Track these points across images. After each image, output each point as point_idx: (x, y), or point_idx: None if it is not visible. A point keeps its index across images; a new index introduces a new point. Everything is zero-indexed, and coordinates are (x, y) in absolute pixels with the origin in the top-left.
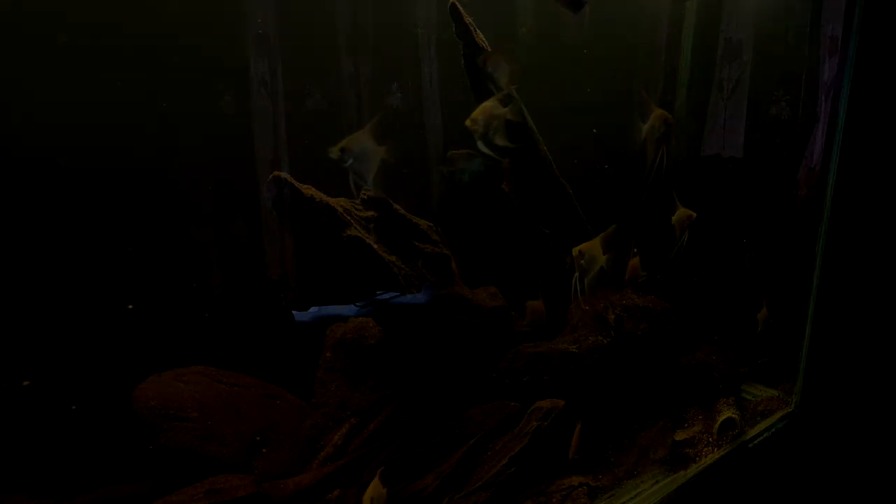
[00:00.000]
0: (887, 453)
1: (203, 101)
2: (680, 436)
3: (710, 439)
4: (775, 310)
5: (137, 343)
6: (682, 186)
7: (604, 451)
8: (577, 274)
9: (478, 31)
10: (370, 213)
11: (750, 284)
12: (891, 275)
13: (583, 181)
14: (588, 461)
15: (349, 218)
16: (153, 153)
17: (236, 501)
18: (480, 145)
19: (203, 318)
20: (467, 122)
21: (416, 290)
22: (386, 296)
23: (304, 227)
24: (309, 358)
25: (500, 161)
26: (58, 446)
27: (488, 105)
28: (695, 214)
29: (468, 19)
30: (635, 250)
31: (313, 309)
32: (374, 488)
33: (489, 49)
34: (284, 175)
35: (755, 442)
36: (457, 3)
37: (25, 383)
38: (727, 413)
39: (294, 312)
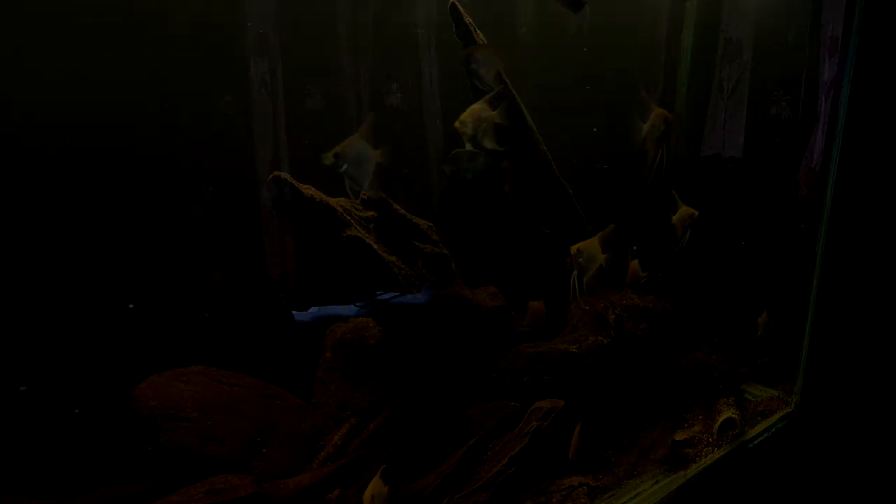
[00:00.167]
0: (887, 453)
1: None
2: (680, 436)
3: (710, 439)
4: (775, 310)
5: (137, 343)
6: (682, 186)
7: (604, 451)
8: (575, 272)
9: (478, 31)
10: (370, 213)
11: (750, 285)
12: (891, 275)
13: (583, 181)
14: (588, 461)
15: (349, 218)
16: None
17: (236, 501)
18: (468, 146)
19: (203, 318)
20: (456, 124)
21: (416, 290)
22: (386, 296)
23: (304, 227)
24: (309, 358)
25: (501, 161)
26: (58, 446)
27: (477, 107)
28: (697, 213)
29: (468, 19)
30: (634, 249)
31: (313, 309)
32: (375, 486)
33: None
34: (284, 175)
35: (755, 442)
36: (457, 3)
37: (23, 388)
38: (727, 413)
39: (294, 312)
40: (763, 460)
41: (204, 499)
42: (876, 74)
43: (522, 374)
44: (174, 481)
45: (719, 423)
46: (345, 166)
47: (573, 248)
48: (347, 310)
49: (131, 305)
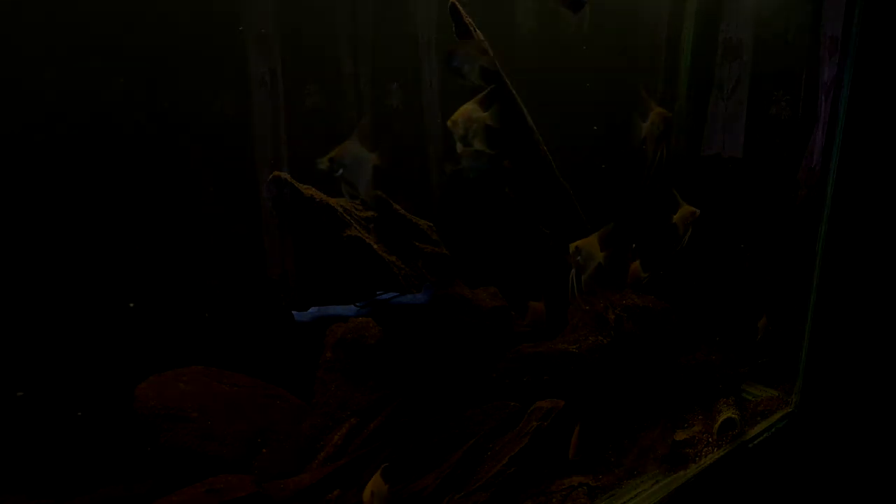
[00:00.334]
0: (887, 453)
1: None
2: (680, 436)
3: (710, 439)
4: (775, 309)
5: (137, 343)
6: (682, 186)
7: (604, 451)
8: (573, 270)
9: (478, 31)
10: (370, 213)
11: (750, 285)
12: (891, 275)
13: (583, 180)
14: (588, 461)
15: (349, 218)
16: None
17: (236, 501)
18: (459, 147)
19: (203, 318)
20: (448, 123)
21: (416, 290)
22: (386, 296)
23: (304, 227)
24: (309, 358)
25: (501, 161)
26: (57, 446)
27: (469, 106)
28: (698, 211)
29: (468, 19)
30: (635, 247)
31: (313, 309)
32: (375, 484)
33: (489, 50)
34: (284, 175)
35: (755, 442)
36: (457, 4)
37: (20, 394)
38: (727, 413)
39: (294, 312)
40: (763, 460)
41: (204, 499)
42: (876, 74)
43: (522, 374)
44: (174, 481)
45: (719, 423)
46: (340, 171)
47: (571, 246)
48: (347, 310)
49: (132, 304)
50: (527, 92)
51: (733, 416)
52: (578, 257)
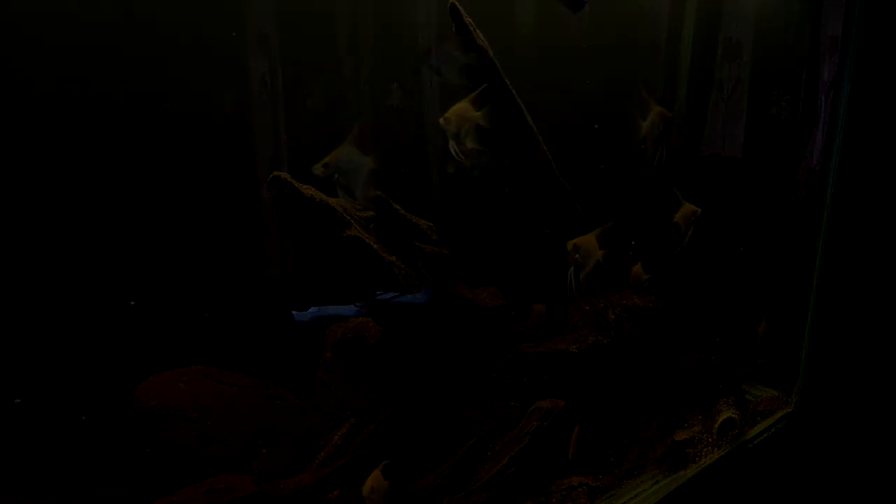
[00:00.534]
0: (887, 453)
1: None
2: (680, 436)
3: (710, 439)
4: (775, 310)
5: (137, 343)
6: (682, 186)
7: (604, 451)
8: (572, 268)
9: (478, 31)
10: (370, 213)
11: (750, 285)
12: (891, 275)
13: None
14: (588, 461)
15: (349, 218)
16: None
17: (236, 501)
18: (452, 145)
19: (203, 318)
20: (441, 121)
21: (416, 290)
22: (386, 296)
23: (304, 227)
24: (309, 358)
25: (501, 160)
26: (57, 446)
27: (462, 106)
28: (700, 210)
29: (468, 19)
30: (634, 244)
31: (313, 309)
32: (375, 479)
33: (489, 49)
34: (284, 175)
35: (755, 442)
36: (456, 4)
37: (17, 401)
38: (727, 413)
39: (294, 312)
40: (763, 460)
41: (204, 499)
42: (876, 74)
43: (522, 374)
44: (174, 481)
45: (719, 423)
46: (336, 176)
47: (569, 244)
48: (347, 310)
49: (132, 303)
50: (526, 91)
51: (733, 416)
52: (577, 255)
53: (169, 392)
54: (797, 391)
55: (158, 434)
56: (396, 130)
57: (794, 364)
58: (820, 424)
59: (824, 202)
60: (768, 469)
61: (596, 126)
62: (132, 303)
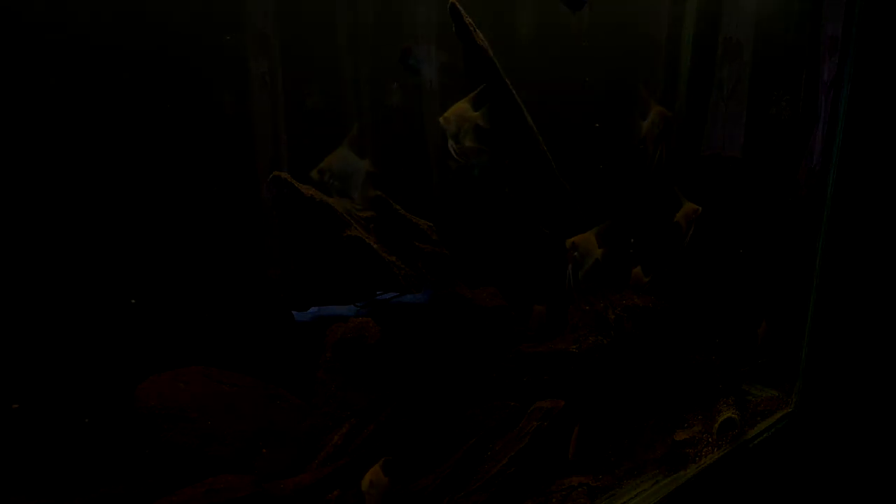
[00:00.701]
0: (887, 453)
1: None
2: (680, 436)
3: (710, 439)
4: (775, 310)
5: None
6: (681, 186)
7: (604, 451)
8: (570, 267)
9: (478, 31)
10: (370, 213)
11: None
12: (891, 275)
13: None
14: (588, 461)
15: (349, 218)
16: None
17: (236, 501)
18: (451, 144)
19: (203, 318)
20: (440, 120)
21: (416, 290)
22: (386, 296)
23: (304, 227)
24: (309, 358)
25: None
26: (57, 447)
27: (461, 105)
28: (700, 209)
29: (468, 20)
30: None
31: (313, 309)
32: (375, 474)
33: (489, 49)
34: (284, 175)
35: (755, 442)
36: (457, 4)
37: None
38: (727, 413)
39: (294, 312)
40: (763, 460)
41: (204, 499)
42: (876, 74)
43: (522, 374)
44: (174, 481)
45: (719, 423)
46: (332, 181)
47: (568, 242)
48: (347, 310)
49: (133, 301)
50: (526, 91)
51: (733, 416)
52: (575, 253)
53: (169, 392)
54: (797, 391)
55: (158, 434)
56: (396, 130)
57: (794, 364)
58: (820, 424)
59: (824, 202)
60: (768, 469)
61: (597, 125)
62: (133, 301)
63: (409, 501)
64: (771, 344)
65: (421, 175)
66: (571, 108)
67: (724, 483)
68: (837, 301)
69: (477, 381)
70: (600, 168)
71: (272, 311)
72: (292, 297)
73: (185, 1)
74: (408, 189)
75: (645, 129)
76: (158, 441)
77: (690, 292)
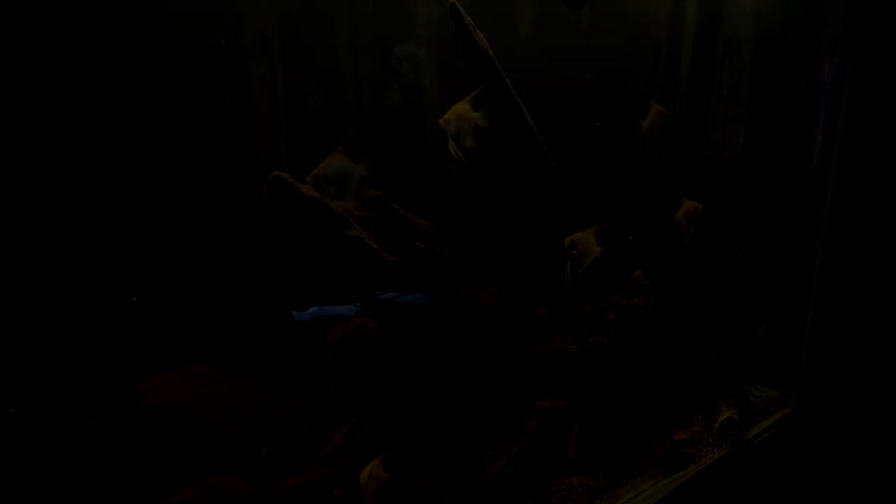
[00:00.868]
0: (887, 453)
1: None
2: (680, 436)
3: (710, 439)
4: (775, 310)
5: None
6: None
7: (604, 451)
8: (568, 265)
9: (478, 31)
10: (370, 213)
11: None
12: (891, 275)
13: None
14: (588, 461)
15: (349, 218)
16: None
17: (236, 501)
18: (451, 145)
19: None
20: (440, 122)
21: (416, 290)
22: (386, 296)
23: (304, 227)
24: (309, 358)
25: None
26: (57, 447)
27: (461, 106)
28: (701, 206)
29: (468, 20)
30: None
31: (313, 309)
32: (374, 468)
33: (489, 50)
34: (284, 175)
35: (755, 442)
36: (457, 4)
37: (12, 410)
38: (727, 413)
39: (294, 312)
40: (763, 460)
41: (204, 499)
42: (876, 74)
43: (522, 374)
44: (174, 481)
45: (719, 423)
46: (328, 188)
47: (566, 240)
48: (347, 310)
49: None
50: (525, 90)
51: (733, 416)
52: (574, 252)
53: (169, 392)
54: (797, 391)
55: (158, 434)
56: (396, 130)
57: (794, 364)
58: (820, 424)
59: (824, 202)
60: (768, 469)
61: (598, 124)
62: (134, 299)
63: (409, 501)
64: (771, 344)
65: (421, 175)
66: (572, 108)
67: (724, 483)
68: (837, 301)
69: (477, 381)
70: (599, 168)
71: (272, 310)
72: (292, 297)
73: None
74: (408, 189)
75: (645, 128)
76: (158, 441)
77: (690, 292)
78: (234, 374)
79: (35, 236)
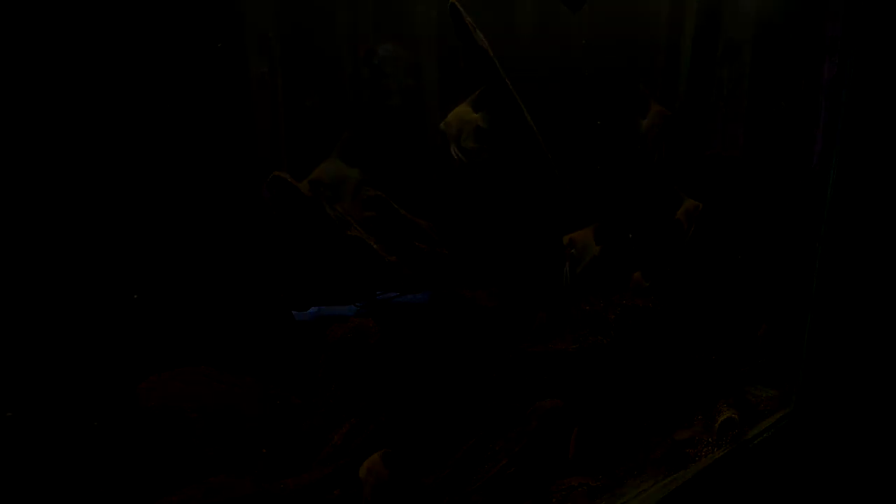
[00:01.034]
0: (887, 453)
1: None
2: (680, 436)
3: (710, 439)
4: (775, 310)
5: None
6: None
7: (604, 451)
8: (567, 264)
9: (478, 31)
10: (370, 213)
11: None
12: (891, 275)
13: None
14: (588, 461)
15: (349, 218)
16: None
17: (236, 501)
18: (453, 149)
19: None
20: (441, 126)
21: (416, 290)
22: (386, 296)
23: (304, 227)
24: (309, 358)
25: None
26: (57, 446)
27: (461, 109)
28: (701, 205)
29: (468, 19)
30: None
31: (313, 309)
32: (373, 463)
33: (490, 50)
34: (284, 175)
35: (755, 442)
36: (457, 4)
37: (9, 414)
38: (727, 413)
39: (294, 312)
40: (763, 460)
41: (204, 499)
42: (876, 74)
43: (522, 374)
44: (174, 481)
45: (719, 423)
46: (323, 191)
47: (565, 239)
48: (347, 310)
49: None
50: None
51: (733, 416)
52: (572, 250)
53: (169, 392)
54: (797, 391)
55: (158, 434)
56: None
57: (794, 364)
58: (820, 424)
59: (824, 202)
60: (768, 469)
61: (599, 122)
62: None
63: (408, 499)
64: (771, 344)
65: (421, 175)
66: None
67: (724, 483)
68: (837, 301)
69: (477, 381)
70: (599, 168)
71: (272, 310)
72: (292, 296)
73: None
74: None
75: (644, 128)
76: (158, 441)
77: (690, 292)
78: (234, 374)
79: (35, 235)
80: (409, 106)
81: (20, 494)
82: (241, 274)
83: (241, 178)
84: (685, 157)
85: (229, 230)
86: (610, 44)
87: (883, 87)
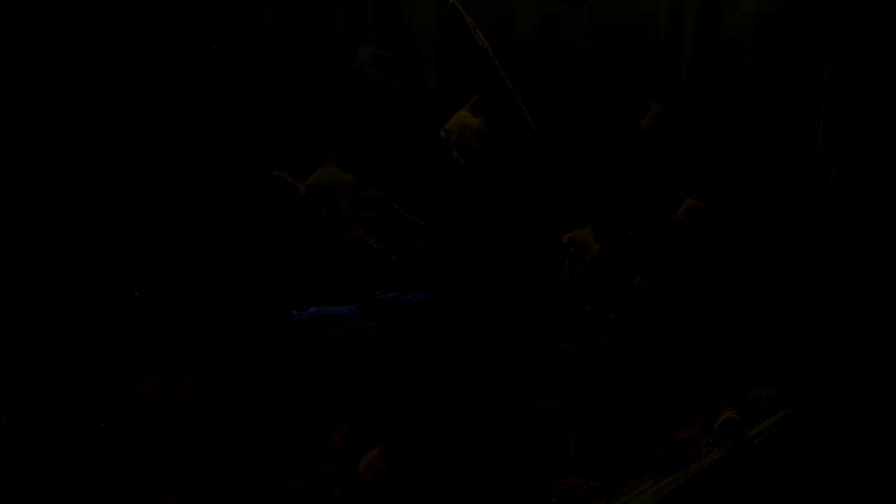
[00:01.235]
0: (887, 453)
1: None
2: (680, 436)
3: (710, 439)
4: (775, 310)
5: (137, 341)
6: (682, 186)
7: (604, 451)
8: (567, 263)
9: (478, 31)
10: (370, 213)
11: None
12: (891, 275)
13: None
14: (588, 461)
15: (349, 218)
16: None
17: (236, 501)
18: (454, 154)
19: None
20: (441, 133)
21: (416, 290)
22: (386, 296)
23: (304, 227)
24: (309, 358)
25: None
26: (56, 447)
27: (462, 114)
28: (702, 204)
29: (469, 19)
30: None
31: (313, 309)
32: (373, 458)
33: (490, 50)
34: (284, 174)
35: (755, 442)
36: (457, 4)
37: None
38: (727, 413)
39: (294, 312)
40: (763, 460)
41: (204, 499)
42: (876, 74)
43: (522, 374)
44: (174, 481)
45: (719, 423)
46: (320, 197)
47: (565, 238)
48: (347, 310)
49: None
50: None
51: (733, 416)
52: (572, 249)
53: (169, 391)
54: (797, 391)
55: (157, 434)
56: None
57: (794, 364)
58: (820, 424)
59: (824, 202)
60: (768, 469)
61: (600, 121)
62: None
63: (408, 497)
64: (771, 344)
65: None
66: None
67: (724, 483)
68: (837, 301)
69: (477, 381)
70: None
71: (272, 310)
72: (292, 296)
73: None
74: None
75: (644, 127)
76: (158, 441)
77: (690, 292)
78: (234, 374)
79: (35, 235)
80: (397, 107)
81: (20, 494)
82: (240, 274)
83: (240, 178)
84: (685, 157)
85: (229, 230)
86: (610, 44)
87: (883, 87)
